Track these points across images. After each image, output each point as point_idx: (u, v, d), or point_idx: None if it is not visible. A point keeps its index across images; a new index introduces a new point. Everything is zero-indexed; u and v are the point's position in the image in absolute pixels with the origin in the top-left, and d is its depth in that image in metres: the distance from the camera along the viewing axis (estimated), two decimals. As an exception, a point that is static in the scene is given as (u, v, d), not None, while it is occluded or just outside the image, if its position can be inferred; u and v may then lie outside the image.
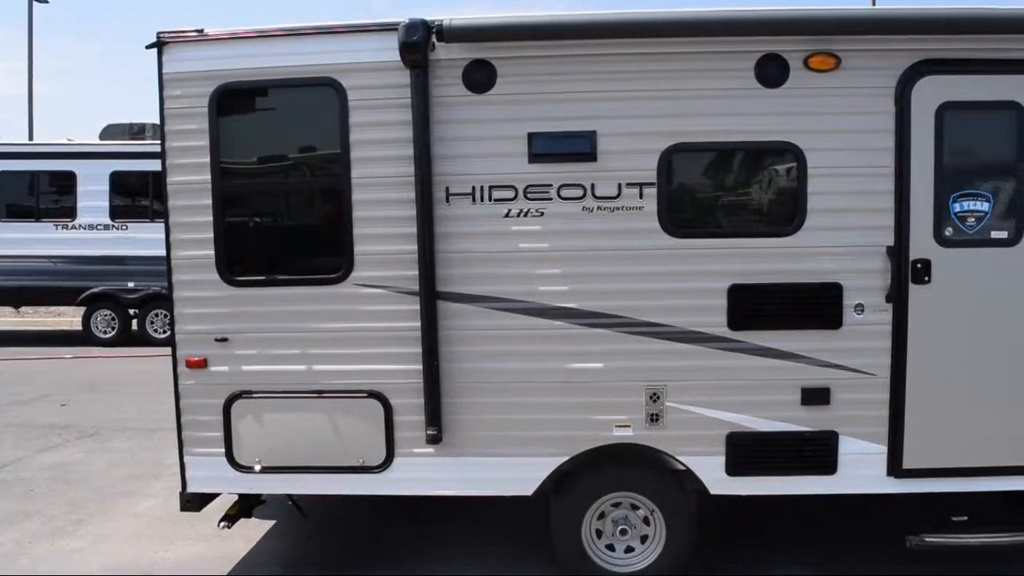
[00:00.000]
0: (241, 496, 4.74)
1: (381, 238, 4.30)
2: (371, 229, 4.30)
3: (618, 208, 4.21)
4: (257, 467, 4.46)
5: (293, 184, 4.54)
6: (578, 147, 4.19)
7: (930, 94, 4.16)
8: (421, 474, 4.40)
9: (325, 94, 4.29)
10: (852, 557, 4.93)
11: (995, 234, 4.23)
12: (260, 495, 4.82)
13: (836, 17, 4.11)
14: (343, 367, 4.38)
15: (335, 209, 4.39)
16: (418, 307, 4.24)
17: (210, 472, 4.51)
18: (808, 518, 5.39)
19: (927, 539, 4.35)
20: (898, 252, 4.19)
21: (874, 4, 18.78)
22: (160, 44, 4.36)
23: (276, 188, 4.54)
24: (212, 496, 4.71)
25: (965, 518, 4.48)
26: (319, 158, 4.48)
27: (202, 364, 4.45)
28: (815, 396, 4.25)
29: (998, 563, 4.72)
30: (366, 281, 4.33)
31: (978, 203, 4.23)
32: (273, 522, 5.57)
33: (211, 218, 4.37)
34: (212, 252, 4.39)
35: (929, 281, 4.21)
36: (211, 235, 4.38)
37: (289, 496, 4.89)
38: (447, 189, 4.24)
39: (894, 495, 4.37)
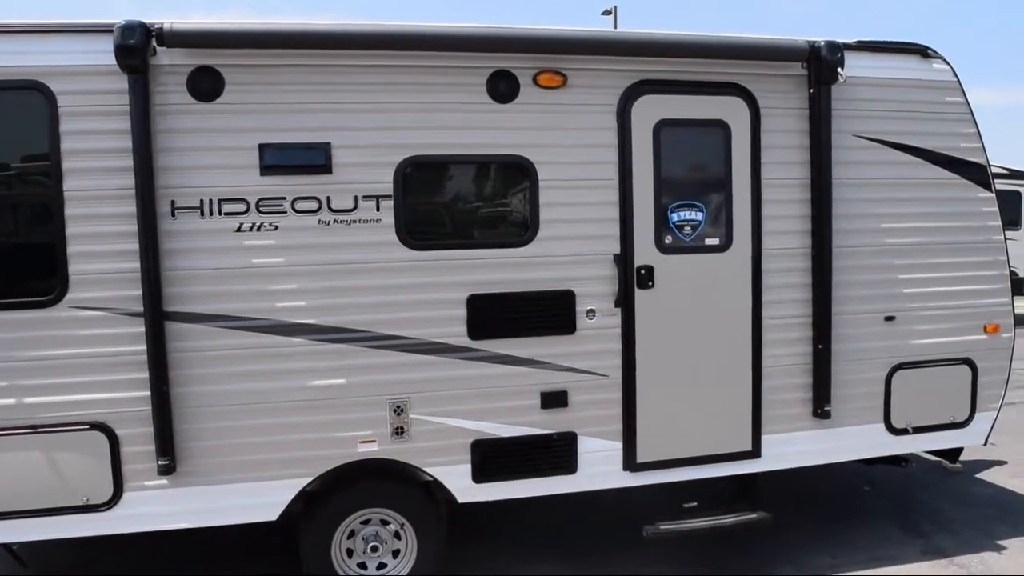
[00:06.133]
0: (-57, 551, 4.21)
1: (99, 256, 3.97)
2: (87, 246, 3.96)
3: (355, 221, 4.17)
4: (-41, 517, 3.98)
5: None
6: (312, 159, 4.10)
7: (648, 112, 4.49)
8: (154, 508, 4.11)
9: (31, 98, 3.91)
10: (597, 552, 5.19)
11: (709, 241, 4.64)
12: (-33, 547, 4.30)
13: (560, 37, 4.32)
14: (60, 398, 3.99)
15: (44, 225, 3.99)
16: (143, 329, 3.97)
17: (-101, 528, 3.96)
18: (556, 518, 5.61)
19: (661, 527, 4.69)
20: (624, 259, 4.47)
21: (616, 27, 20.16)
22: None
23: None
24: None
25: (695, 504, 4.87)
26: (25, 169, 4.05)
27: None
28: (554, 399, 4.43)
29: (727, 540, 5.14)
30: (83, 303, 3.98)
31: (693, 213, 4.61)
32: (-12, 576, 4.99)
33: None
34: None
35: (653, 286, 4.52)
36: None
37: (5, 545, 4.39)
38: (172, 203, 4.00)
39: (632, 488, 4.65)
